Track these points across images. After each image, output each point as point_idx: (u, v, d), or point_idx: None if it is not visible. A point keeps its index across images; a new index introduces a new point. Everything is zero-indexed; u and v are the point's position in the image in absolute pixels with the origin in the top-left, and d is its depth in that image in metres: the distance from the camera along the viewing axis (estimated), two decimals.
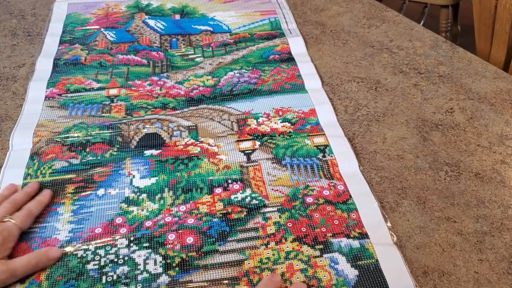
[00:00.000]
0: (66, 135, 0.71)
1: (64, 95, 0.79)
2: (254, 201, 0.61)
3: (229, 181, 0.64)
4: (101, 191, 0.63)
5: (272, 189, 0.63)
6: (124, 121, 0.74)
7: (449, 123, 0.74)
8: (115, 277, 0.53)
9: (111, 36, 0.95)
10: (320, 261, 0.54)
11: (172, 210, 0.60)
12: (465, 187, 0.64)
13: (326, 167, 0.66)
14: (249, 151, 0.69)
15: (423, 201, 0.62)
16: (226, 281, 0.52)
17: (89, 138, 0.70)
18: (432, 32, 0.97)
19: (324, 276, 0.53)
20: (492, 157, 0.68)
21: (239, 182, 0.64)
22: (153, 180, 0.64)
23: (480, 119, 0.75)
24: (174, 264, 0.54)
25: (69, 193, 0.62)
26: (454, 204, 0.61)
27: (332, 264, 0.54)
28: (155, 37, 0.96)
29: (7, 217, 0.56)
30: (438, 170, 0.66)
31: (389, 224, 0.59)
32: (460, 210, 0.61)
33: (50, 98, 0.79)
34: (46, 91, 0.80)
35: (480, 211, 0.61)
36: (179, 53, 0.91)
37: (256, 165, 0.66)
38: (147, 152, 0.68)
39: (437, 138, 0.71)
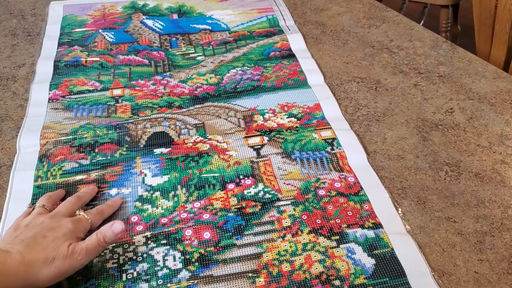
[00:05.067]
0: (73, 136, 0.71)
1: (68, 96, 0.79)
2: (268, 195, 0.62)
3: (241, 176, 0.64)
4: (114, 191, 0.63)
5: (284, 183, 0.64)
6: (131, 120, 0.74)
7: (449, 123, 0.74)
8: (135, 274, 0.53)
9: (110, 37, 0.95)
10: (337, 251, 0.55)
11: (186, 207, 0.60)
12: (465, 187, 0.64)
13: (335, 160, 0.67)
14: (258, 147, 0.69)
15: (423, 201, 0.62)
16: (246, 274, 0.53)
17: (97, 138, 0.70)
18: (432, 32, 0.97)
19: (342, 266, 0.54)
20: (492, 157, 0.68)
21: (251, 177, 0.64)
22: (165, 178, 0.64)
23: (480, 119, 0.75)
24: (193, 260, 0.54)
25: None
26: (454, 204, 0.62)
27: (349, 254, 0.55)
28: (155, 37, 0.96)
29: (80, 211, 0.56)
30: (438, 170, 0.66)
31: (400, 213, 0.60)
32: (460, 210, 0.61)
33: (54, 100, 0.78)
34: (49, 93, 0.80)
35: (480, 211, 0.61)
36: (180, 52, 0.91)
37: (267, 160, 0.67)
38: (157, 151, 0.68)
39: (437, 138, 0.72)
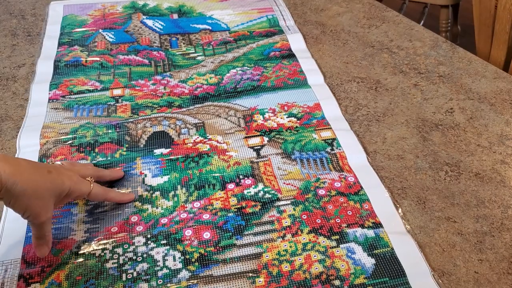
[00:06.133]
0: (73, 136, 0.71)
1: (68, 96, 0.79)
2: (267, 195, 0.62)
3: (241, 176, 0.64)
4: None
5: (284, 183, 0.64)
6: (131, 120, 0.74)
7: (449, 123, 0.74)
8: (135, 274, 0.53)
9: (110, 37, 0.95)
10: (337, 251, 0.55)
11: (186, 207, 0.60)
12: (465, 187, 0.64)
13: (335, 160, 0.67)
14: (258, 147, 0.69)
15: (423, 201, 0.62)
16: (246, 274, 0.53)
17: (97, 138, 0.70)
18: (432, 32, 0.97)
19: (342, 265, 0.53)
20: (492, 157, 0.68)
21: (250, 177, 0.64)
22: (165, 178, 0.64)
23: (480, 119, 0.75)
24: (193, 259, 0.54)
25: None
26: (454, 204, 0.61)
27: (349, 254, 0.55)
28: (155, 37, 0.96)
29: (92, 178, 0.58)
30: (438, 170, 0.66)
31: (401, 213, 0.60)
32: (460, 210, 0.61)
33: (54, 100, 0.78)
34: (49, 93, 0.80)
35: (480, 211, 0.61)
36: (180, 52, 0.91)
37: (266, 160, 0.67)
38: (157, 151, 0.68)
39: (437, 138, 0.72)
